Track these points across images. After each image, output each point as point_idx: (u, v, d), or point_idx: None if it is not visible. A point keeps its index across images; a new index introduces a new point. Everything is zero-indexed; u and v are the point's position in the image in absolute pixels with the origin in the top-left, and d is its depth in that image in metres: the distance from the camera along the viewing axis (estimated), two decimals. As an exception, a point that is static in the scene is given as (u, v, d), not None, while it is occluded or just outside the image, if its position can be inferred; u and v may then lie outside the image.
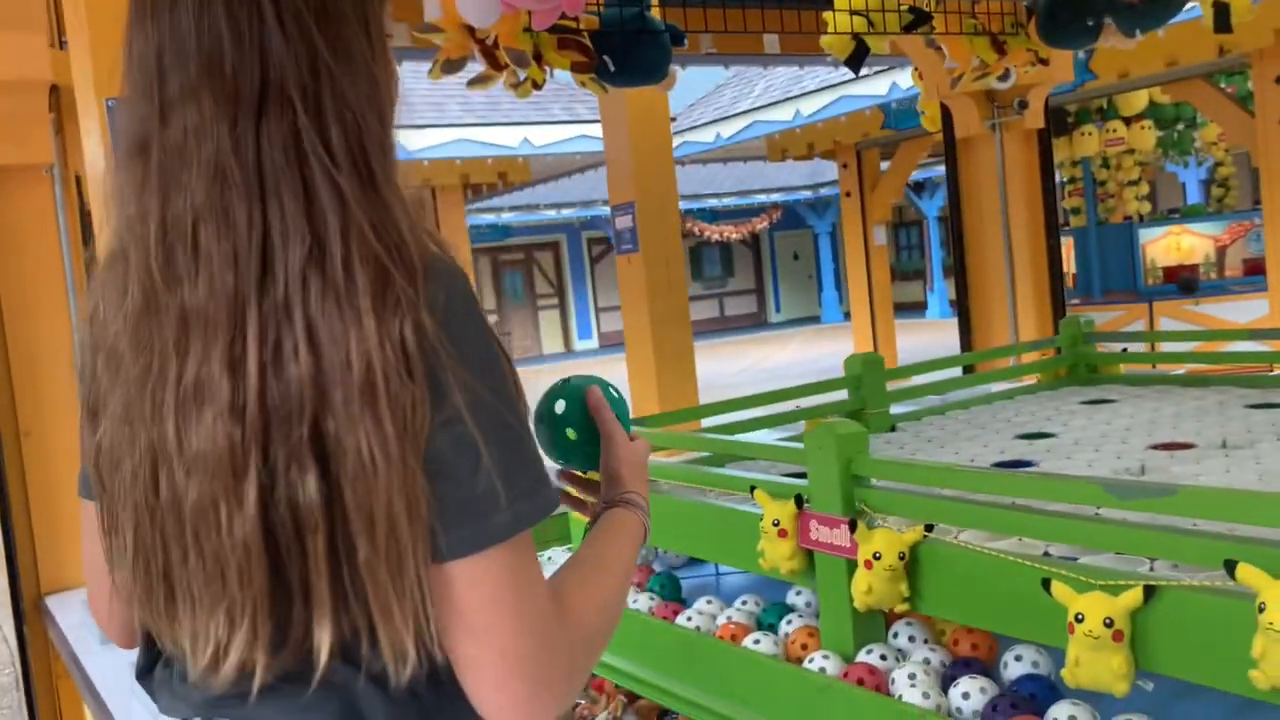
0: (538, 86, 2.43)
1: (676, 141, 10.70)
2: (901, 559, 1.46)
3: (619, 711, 2.26)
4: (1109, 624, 1.16)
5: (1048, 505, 1.41)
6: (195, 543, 0.78)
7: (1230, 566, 1.05)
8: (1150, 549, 1.23)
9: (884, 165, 10.23)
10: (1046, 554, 1.41)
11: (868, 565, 1.47)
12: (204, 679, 0.82)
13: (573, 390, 1.16)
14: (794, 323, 24.40)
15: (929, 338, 14.13)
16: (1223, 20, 2.89)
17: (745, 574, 2.13)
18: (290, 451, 0.75)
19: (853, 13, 3.07)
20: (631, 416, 1.24)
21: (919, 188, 20.00)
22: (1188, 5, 3.36)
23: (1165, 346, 3.25)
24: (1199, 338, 3.34)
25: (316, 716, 0.81)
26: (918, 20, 3.14)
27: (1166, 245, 9.28)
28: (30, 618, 2.64)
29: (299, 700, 0.81)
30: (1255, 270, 8.63)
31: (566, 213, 18.42)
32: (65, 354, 2.79)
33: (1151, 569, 1.30)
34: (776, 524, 1.63)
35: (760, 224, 22.08)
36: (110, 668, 1.97)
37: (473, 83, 2.41)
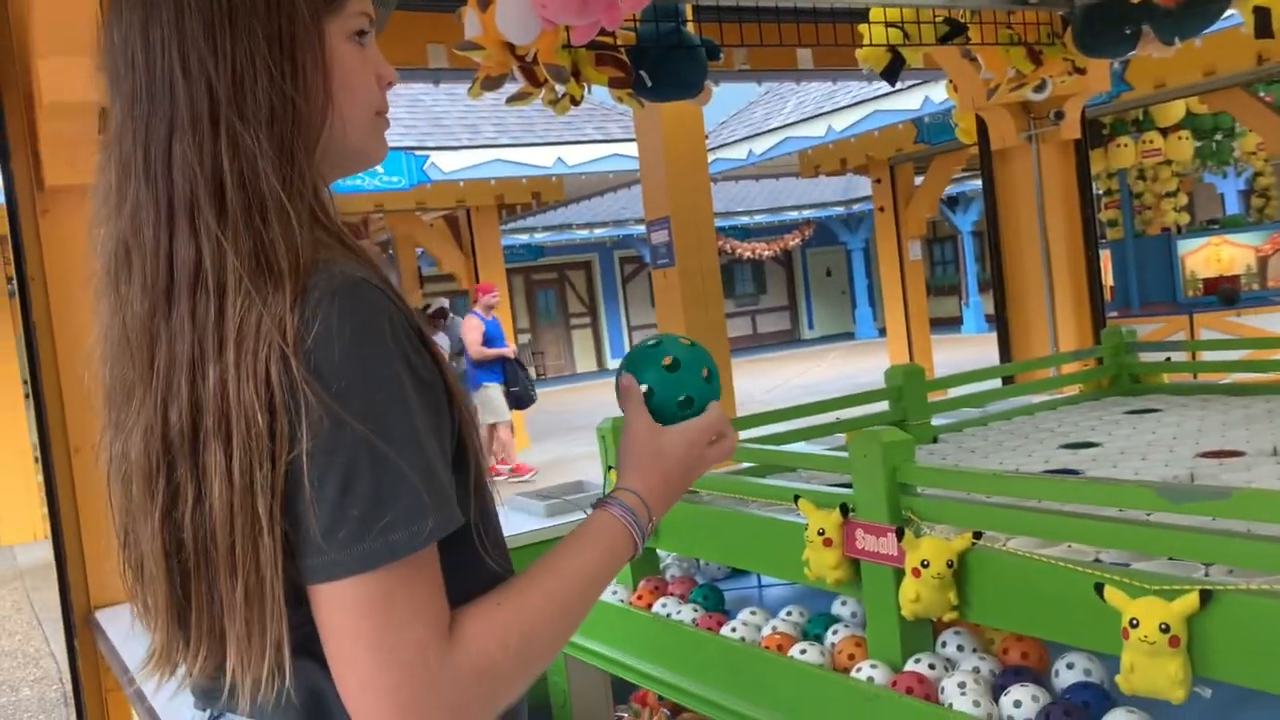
0: (575, 103, 2.46)
1: (710, 158, 10.73)
2: (950, 567, 1.45)
3: (662, 725, 2.26)
4: (1165, 629, 1.14)
5: (1097, 511, 1.40)
6: (131, 551, 0.87)
7: (1290, 569, 1.04)
8: (1206, 554, 1.22)
9: (918, 180, 10.20)
10: (1097, 560, 1.40)
11: (915, 573, 1.46)
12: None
13: (625, 365, 1.06)
14: (827, 339, 24.29)
15: (965, 353, 14.02)
16: (1264, 25, 2.87)
17: (788, 585, 2.13)
18: (183, 476, 0.80)
19: (888, 25, 3.08)
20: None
21: (953, 202, 19.90)
22: (1226, 12, 3.34)
23: (1208, 356, 3.21)
24: (1244, 346, 3.29)
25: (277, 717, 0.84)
26: (953, 31, 3.14)
27: (1206, 256, 9.16)
28: (80, 632, 2.68)
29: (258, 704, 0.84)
30: (1299, 280, 8.51)
31: (599, 232, 18.50)
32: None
33: (1206, 574, 1.28)
34: (822, 533, 1.63)
35: (793, 240, 22.03)
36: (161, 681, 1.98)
37: (512, 99, 2.44)
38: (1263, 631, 1.10)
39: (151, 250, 0.82)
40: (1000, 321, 4.38)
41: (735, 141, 10.59)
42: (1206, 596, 1.13)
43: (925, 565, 1.45)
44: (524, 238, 17.77)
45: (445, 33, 2.34)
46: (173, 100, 0.82)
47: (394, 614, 0.77)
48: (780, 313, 25.19)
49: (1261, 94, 7.78)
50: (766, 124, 10.31)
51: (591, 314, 22.35)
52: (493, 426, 8.97)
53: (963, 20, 3.15)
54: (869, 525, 1.57)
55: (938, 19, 3.11)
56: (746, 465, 2.19)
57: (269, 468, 0.76)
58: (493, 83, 2.23)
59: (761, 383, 15.26)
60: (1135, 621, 1.16)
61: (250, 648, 0.79)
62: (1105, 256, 9.02)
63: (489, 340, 8.89)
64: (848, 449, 1.64)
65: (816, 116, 9.29)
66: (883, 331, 11.78)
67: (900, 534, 1.49)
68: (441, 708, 0.78)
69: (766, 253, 21.74)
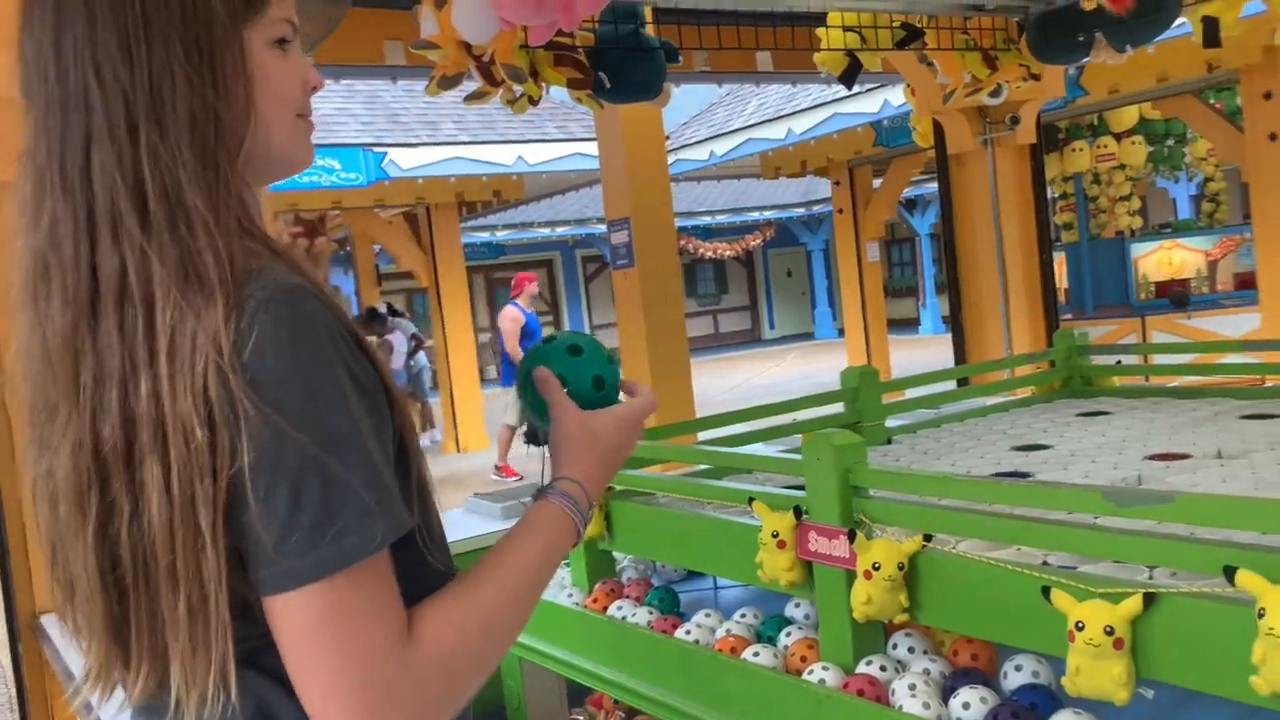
0: (534, 103, 2.44)
1: (670, 159, 10.74)
2: (901, 569, 1.46)
3: (617, 727, 2.25)
4: (1109, 632, 1.16)
5: (1047, 515, 1.41)
6: (61, 570, 0.84)
7: (1230, 572, 1.05)
8: (1150, 556, 1.23)
9: (876, 182, 10.29)
10: (1045, 563, 1.42)
11: (867, 576, 1.47)
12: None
13: (526, 364, 1.12)
14: (788, 339, 24.43)
15: (922, 353, 14.15)
16: (1212, 35, 2.92)
17: (743, 587, 2.13)
18: (118, 492, 0.78)
19: (845, 29, 3.10)
20: None
21: (911, 205, 20.09)
22: (1177, 21, 3.40)
23: (1159, 359, 3.26)
24: (1193, 350, 3.36)
25: None
26: (910, 36, 3.16)
27: (1158, 260, 9.33)
28: (25, 637, 2.62)
29: None
30: (1246, 284, 8.68)
31: (561, 230, 18.46)
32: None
33: (1150, 577, 1.30)
34: (775, 535, 1.63)
35: (754, 241, 22.13)
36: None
37: (469, 98, 2.42)
38: (1204, 633, 1.12)
39: (72, 263, 0.80)
40: (955, 324, 4.43)
41: (697, 142, 10.61)
42: (1150, 599, 1.15)
43: (877, 568, 1.46)
44: (485, 235, 17.67)
45: (402, 29, 2.33)
46: (88, 111, 0.80)
47: (351, 619, 0.78)
48: (741, 312, 25.30)
49: (1212, 101, 7.93)
50: (728, 125, 10.34)
51: (554, 312, 22.30)
52: (511, 428, 8.23)
53: (919, 25, 3.17)
54: (821, 528, 1.58)
55: (894, 24, 3.13)
56: (702, 467, 2.20)
57: (210, 482, 0.75)
58: (449, 82, 2.22)
59: (722, 382, 15.31)
60: (1081, 624, 1.18)
61: (195, 663, 0.78)
62: (1060, 259, 9.16)
63: (528, 334, 8.03)
64: (802, 451, 1.64)
65: (777, 119, 9.34)
66: (842, 332, 11.87)
67: (852, 536, 1.49)
68: (406, 707, 0.79)
69: (728, 253, 21.82)
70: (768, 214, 21.19)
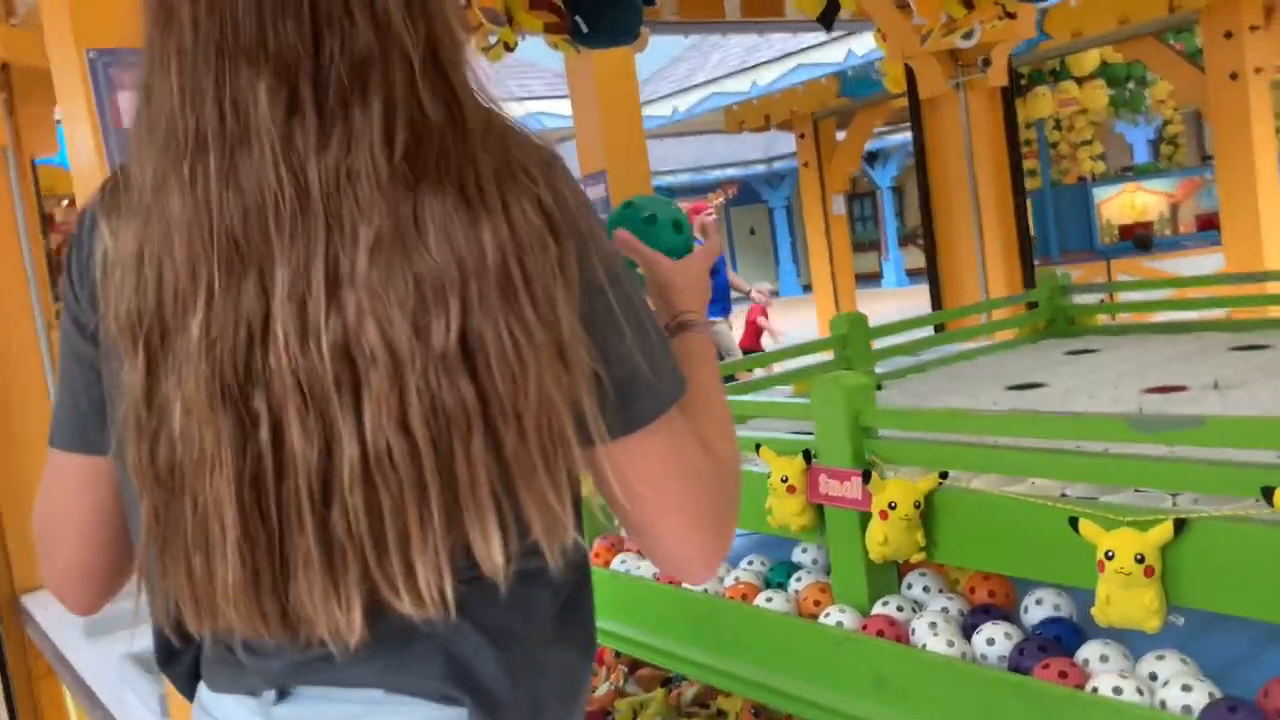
0: (509, 49, 2.37)
1: (632, 117, 10.63)
2: (917, 508, 1.44)
3: (620, 681, 2.24)
4: (1140, 560, 1.14)
5: (1060, 446, 1.40)
6: (360, 491, 0.71)
7: (1268, 492, 1.04)
8: (1182, 483, 1.22)
9: (840, 135, 10.25)
10: (1064, 495, 1.40)
11: (883, 516, 1.45)
12: (284, 646, 0.78)
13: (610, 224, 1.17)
14: (753, 297, 24.48)
15: (889, 305, 14.21)
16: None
17: (746, 536, 2.11)
18: (431, 356, 0.71)
19: (822, -31, 3.04)
20: None
21: (872, 158, 20.08)
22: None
23: (1134, 296, 3.27)
24: (1170, 286, 3.37)
25: (420, 670, 0.78)
26: (887, -25, 3.11)
27: (1121, 204, 9.40)
28: (6, 617, 2.56)
29: (401, 655, 0.78)
30: (1208, 225, 8.77)
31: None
32: (32, 351, 2.70)
33: (1174, 504, 1.29)
34: (785, 480, 1.61)
35: (716, 199, 22.06)
36: (97, 662, 1.90)
37: (444, 47, 2.34)
38: (1237, 557, 1.10)
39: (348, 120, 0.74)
40: (931, 270, 4.42)
41: (660, 98, 10.50)
42: (1180, 526, 1.13)
43: (893, 507, 1.44)
44: (447, 199, 17.47)
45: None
46: (404, 44, 0.76)
47: (685, 443, 0.83)
48: (705, 271, 25.31)
49: (1172, 42, 7.94)
50: (690, 80, 10.23)
51: (517, 277, 22.17)
52: None
53: (897, -36, 3.13)
54: (832, 470, 1.56)
55: (872, -37, 3.08)
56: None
57: (565, 311, 0.75)
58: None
59: (690, 341, 15.30)
60: (1111, 554, 1.16)
61: (552, 502, 0.75)
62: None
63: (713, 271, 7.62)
64: (810, 394, 1.61)
65: (741, 71, 9.24)
66: (807, 288, 11.90)
67: (867, 477, 1.47)
68: (727, 510, 0.88)
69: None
70: (730, 172, 21.10)
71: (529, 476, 0.74)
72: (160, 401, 0.76)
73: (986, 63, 4.07)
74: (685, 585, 1.79)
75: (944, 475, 1.44)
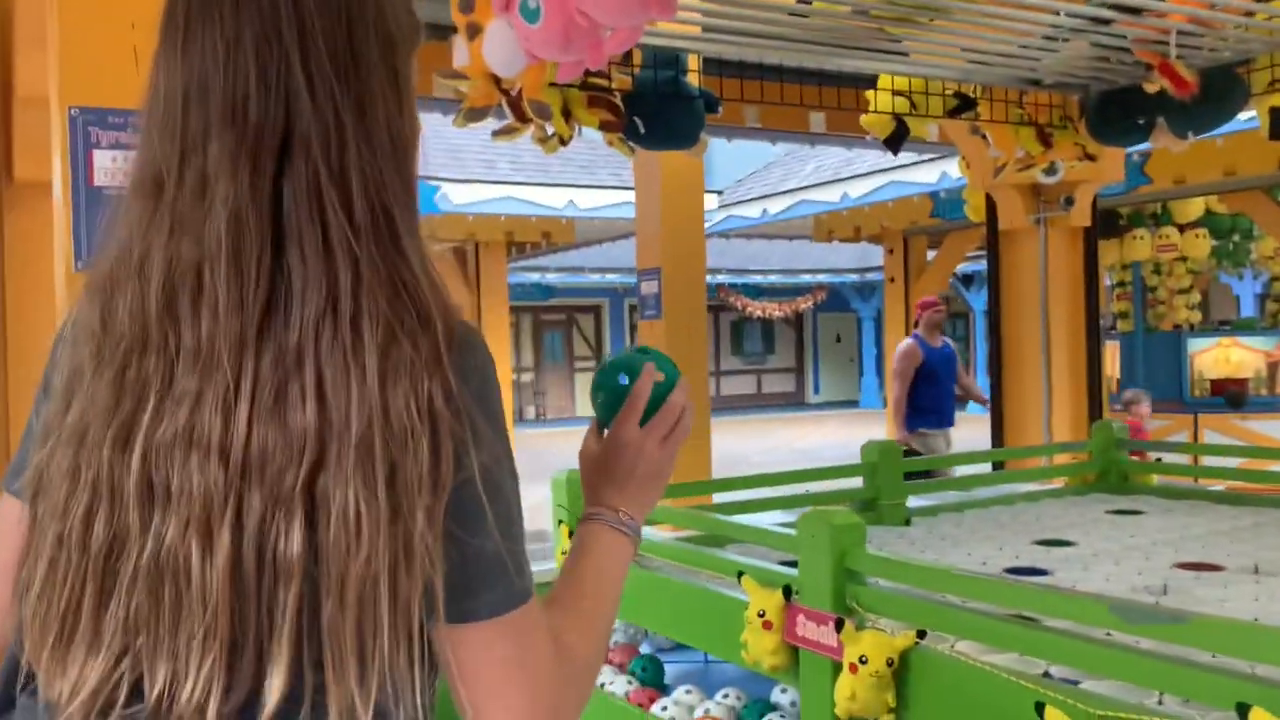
0: (564, 142, 2.40)
1: (722, 215, 10.69)
2: (890, 665, 1.35)
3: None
4: (1106, 762, 1.04)
5: (1053, 622, 1.30)
6: (145, 585, 0.74)
7: (1243, 710, 0.93)
8: (1159, 681, 1.11)
9: (931, 254, 10.17)
10: (1047, 674, 1.30)
11: (853, 669, 1.37)
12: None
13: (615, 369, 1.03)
14: (832, 405, 24.14)
15: (965, 431, 13.88)
16: (1279, 126, 2.80)
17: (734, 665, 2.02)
18: (278, 499, 0.73)
19: (895, 93, 3.03)
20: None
21: (967, 280, 19.85)
22: (1247, 115, 3.28)
23: (1207, 460, 3.10)
24: (1239, 453, 3.19)
25: None
26: (962, 105, 3.08)
27: (1216, 357, 9.05)
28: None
29: None
30: (1307, 389, 8.39)
31: (611, 277, 18.45)
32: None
33: (1160, 702, 1.18)
34: (762, 615, 1.53)
35: (804, 304, 21.98)
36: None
37: (498, 133, 2.38)
38: (1211, 776, 1.00)
39: (254, 272, 0.77)
40: (995, 404, 4.29)
41: (750, 200, 10.56)
42: (1154, 730, 1.03)
43: (863, 661, 1.35)
44: (535, 276, 17.74)
45: (436, 58, 2.30)
46: (291, 117, 0.78)
47: (535, 640, 0.81)
48: (786, 374, 25.07)
49: (1281, 198, 7.72)
50: (782, 185, 10.28)
51: (597, 358, 22.29)
52: None
53: (973, 95, 3.09)
54: (811, 611, 1.48)
55: (948, 92, 3.05)
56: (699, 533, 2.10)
57: (424, 500, 0.74)
58: (476, 114, 2.17)
59: (761, 443, 15.12)
60: (1075, 750, 1.06)
61: (350, 676, 0.73)
62: (1114, 348, 8.93)
63: (928, 376, 5.94)
64: (798, 528, 1.54)
65: (833, 182, 9.26)
66: (887, 402, 11.68)
67: (840, 625, 1.39)
68: (569, 711, 0.85)
69: (777, 313, 21.68)
70: (820, 277, 21.05)
71: (338, 647, 0.73)
72: (43, 467, 0.80)
73: (1069, 201, 3.99)
74: (651, 709, 1.71)
75: (922, 634, 1.35)
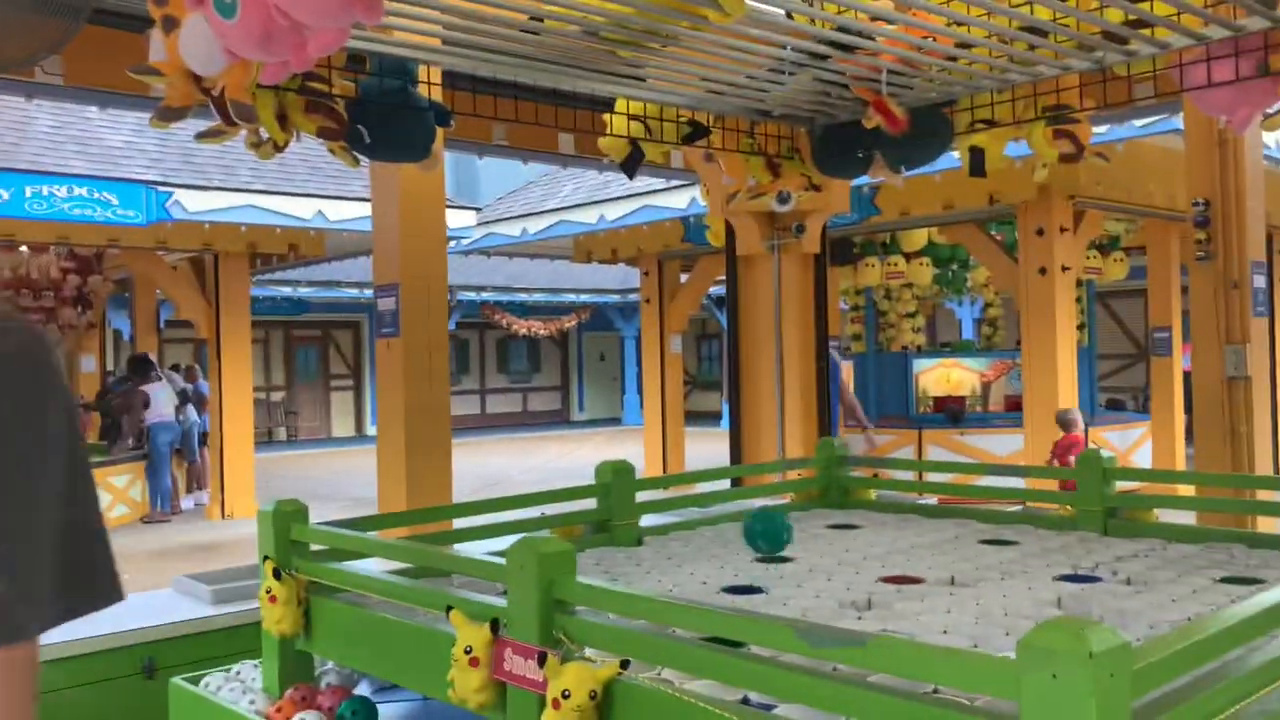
0: (279, 149, 2.25)
1: (482, 232, 10.58)
2: (593, 698, 1.31)
3: None
4: (789, 789, 1.04)
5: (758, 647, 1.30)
6: None
7: (907, 733, 0.95)
8: (844, 706, 1.13)
9: (684, 277, 10.47)
10: (746, 700, 1.30)
11: (555, 705, 1.32)
12: None
13: None
14: (596, 423, 24.42)
15: (721, 447, 14.36)
16: (978, 165, 3.04)
17: (423, 702, 1.93)
18: None
19: (631, 118, 3.06)
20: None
21: (721, 302, 20.63)
22: (955, 153, 3.54)
23: (908, 477, 3.31)
24: (951, 470, 3.43)
25: None
26: (695, 133, 3.15)
27: (937, 376, 9.82)
28: None
29: None
30: (1015, 406, 9.22)
31: (369, 293, 17.89)
32: None
33: (846, 723, 1.20)
34: (469, 651, 1.46)
35: (569, 322, 22.16)
36: None
37: (201, 135, 2.20)
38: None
39: None
40: (733, 423, 4.42)
41: (510, 218, 10.53)
42: (834, 754, 1.04)
43: (566, 695, 1.31)
44: (286, 290, 16.91)
45: (127, 53, 2.10)
46: None
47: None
48: (552, 392, 25.18)
49: (994, 232, 8.47)
50: (542, 205, 10.31)
51: (355, 376, 21.51)
52: None
53: (707, 124, 3.18)
54: (519, 645, 1.42)
55: (682, 119, 3.12)
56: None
57: None
58: (174, 114, 1.99)
59: (524, 461, 15.05)
60: (759, 779, 1.05)
61: None
62: (848, 368, 9.50)
63: None
64: (506, 557, 1.48)
65: (590, 204, 9.37)
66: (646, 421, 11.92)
67: (542, 659, 1.34)
68: None
69: (542, 331, 21.74)
70: (584, 297, 21.29)
71: None
72: None
73: (801, 229, 4.18)
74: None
75: (625, 664, 1.33)
